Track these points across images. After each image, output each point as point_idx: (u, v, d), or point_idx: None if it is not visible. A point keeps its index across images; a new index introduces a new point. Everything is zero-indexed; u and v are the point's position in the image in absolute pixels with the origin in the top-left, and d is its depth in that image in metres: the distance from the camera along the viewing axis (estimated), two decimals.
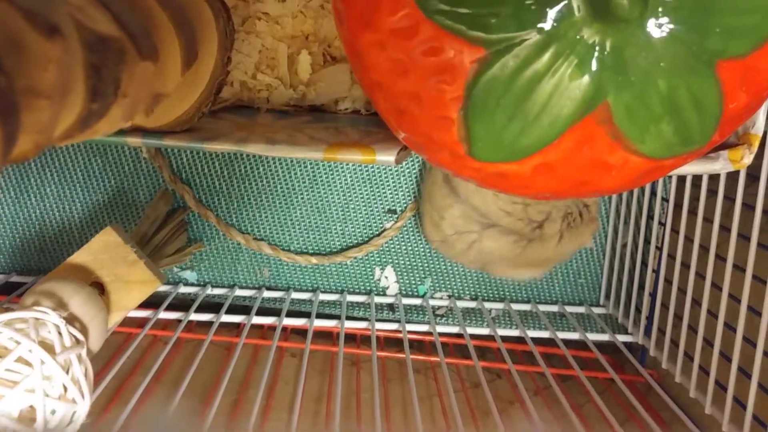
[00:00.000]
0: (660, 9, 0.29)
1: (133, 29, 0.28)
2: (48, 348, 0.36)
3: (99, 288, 0.47)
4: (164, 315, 0.58)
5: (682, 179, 0.54)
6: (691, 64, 0.30)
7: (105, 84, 0.25)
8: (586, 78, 0.30)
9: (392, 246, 0.63)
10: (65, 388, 0.35)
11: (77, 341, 0.38)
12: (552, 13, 0.29)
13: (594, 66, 0.30)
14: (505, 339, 0.59)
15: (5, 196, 0.63)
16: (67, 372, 0.35)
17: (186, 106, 0.38)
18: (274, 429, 0.49)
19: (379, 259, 0.64)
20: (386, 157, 0.39)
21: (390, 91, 0.34)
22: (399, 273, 0.64)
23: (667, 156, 0.33)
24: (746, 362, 0.44)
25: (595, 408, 0.49)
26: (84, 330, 0.41)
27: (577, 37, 0.29)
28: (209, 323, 0.58)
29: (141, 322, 0.57)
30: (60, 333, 0.37)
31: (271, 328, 0.62)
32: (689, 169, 0.40)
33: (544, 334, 0.59)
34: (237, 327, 0.62)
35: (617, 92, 0.30)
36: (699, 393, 0.48)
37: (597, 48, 0.29)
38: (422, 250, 0.63)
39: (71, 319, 0.40)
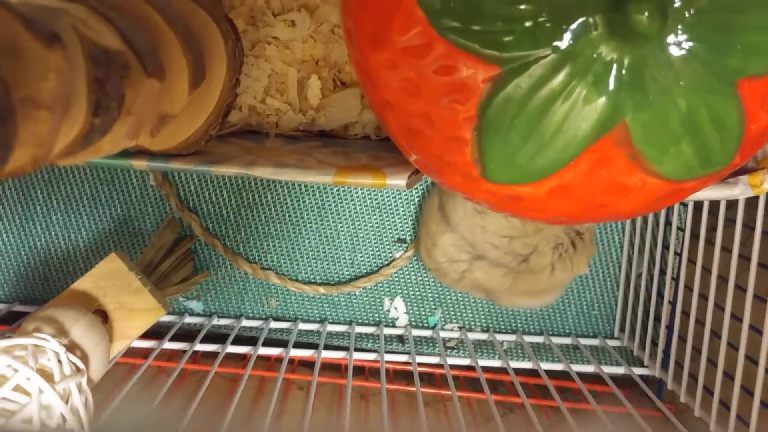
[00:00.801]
0: (679, 26, 0.28)
1: (139, 45, 0.27)
2: (47, 376, 0.34)
3: (102, 315, 0.46)
4: (169, 345, 0.57)
5: (698, 208, 0.53)
6: (711, 82, 0.29)
7: (108, 99, 0.24)
8: (603, 97, 0.29)
9: (402, 276, 0.62)
10: (64, 419, 0.34)
11: (77, 369, 0.37)
12: (568, 31, 0.28)
13: (611, 85, 0.29)
14: (517, 372, 0.58)
15: (10, 225, 0.62)
16: (67, 402, 0.34)
17: (193, 129, 0.37)
18: None
19: (388, 289, 0.62)
20: (397, 181, 0.38)
21: (401, 112, 0.33)
22: (409, 304, 0.63)
23: (687, 178, 0.32)
24: None
25: None
26: (85, 358, 0.40)
27: (594, 55, 0.28)
28: (214, 354, 0.57)
29: (145, 353, 0.56)
30: (60, 361, 0.36)
31: (278, 360, 0.61)
32: (707, 194, 0.39)
33: (558, 367, 0.57)
34: (243, 358, 0.61)
35: (635, 112, 0.29)
36: (719, 428, 0.47)
37: (614, 66, 0.28)
38: (432, 280, 0.62)
39: (72, 347, 0.39)
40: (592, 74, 0.29)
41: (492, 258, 0.53)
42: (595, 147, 0.30)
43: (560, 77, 0.29)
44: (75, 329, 0.39)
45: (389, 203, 0.60)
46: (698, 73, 0.29)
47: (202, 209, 0.61)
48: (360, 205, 0.60)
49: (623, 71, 0.29)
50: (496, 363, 0.58)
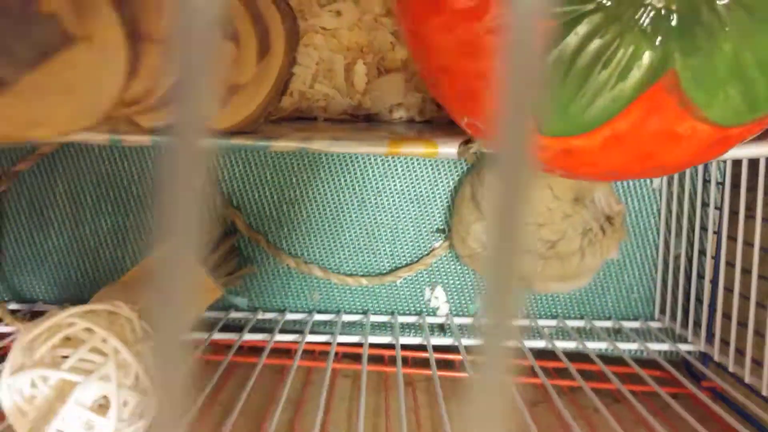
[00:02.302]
0: None
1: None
2: (122, 339, 0.36)
3: None
4: (217, 336, 0.58)
5: (735, 184, 0.54)
6: (754, 27, 0.30)
7: None
8: (652, 45, 0.30)
9: (442, 265, 0.63)
10: (138, 379, 0.35)
11: (149, 334, 0.38)
12: None
13: (660, 33, 0.30)
14: (557, 356, 0.58)
15: (61, 229, 0.64)
16: (140, 363, 0.36)
17: (255, 104, 0.39)
18: None
19: (428, 278, 0.63)
20: (448, 149, 0.40)
21: (458, 74, 0.34)
22: (449, 292, 0.64)
23: (735, 123, 0.33)
24: None
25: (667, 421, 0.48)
26: None
27: (642, 4, 0.30)
28: (260, 349, 0.58)
29: (194, 345, 0.58)
30: (132, 326, 0.37)
31: (323, 353, 0.62)
32: (747, 151, 0.40)
33: (602, 345, 0.58)
34: (287, 352, 0.62)
35: (684, 58, 0.31)
36: None
37: (663, 14, 0.30)
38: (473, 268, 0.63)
39: (143, 313, 0.40)
40: (641, 23, 0.30)
41: None
42: (647, 95, 0.32)
43: (611, 28, 0.31)
44: (145, 298, 0.41)
45: (427, 195, 0.62)
46: (742, 18, 0.30)
47: (246, 206, 0.63)
48: (399, 197, 0.62)
49: (671, 19, 0.30)
50: (540, 344, 0.59)
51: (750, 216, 0.52)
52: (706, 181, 0.59)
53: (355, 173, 0.62)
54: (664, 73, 0.31)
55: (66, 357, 0.34)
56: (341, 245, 0.63)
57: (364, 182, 0.62)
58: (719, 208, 0.57)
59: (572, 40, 0.31)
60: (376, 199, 0.62)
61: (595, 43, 0.31)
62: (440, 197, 0.62)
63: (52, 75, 0.18)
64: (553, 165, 0.36)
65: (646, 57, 0.31)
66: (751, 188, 0.52)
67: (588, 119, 0.32)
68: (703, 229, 0.59)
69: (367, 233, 0.63)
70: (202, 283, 0.48)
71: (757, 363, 0.49)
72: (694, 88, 0.31)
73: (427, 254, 0.63)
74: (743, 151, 0.40)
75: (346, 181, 0.62)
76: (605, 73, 0.31)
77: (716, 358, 0.54)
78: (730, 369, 0.51)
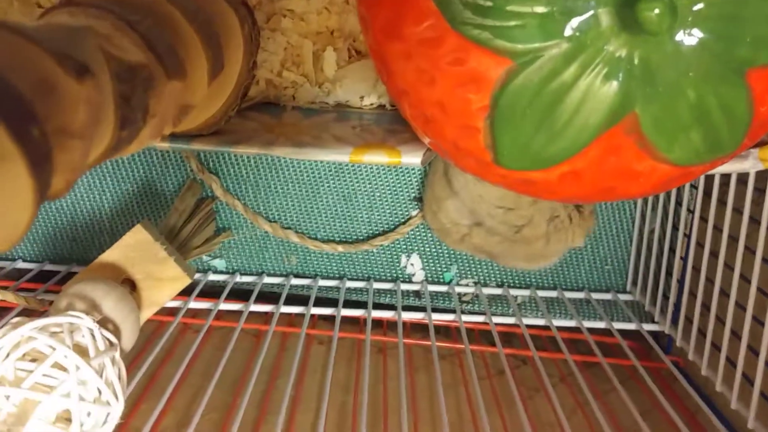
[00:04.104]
0: (689, 19, 0.28)
1: (161, 49, 0.28)
2: (82, 352, 0.37)
3: (130, 285, 0.48)
4: (194, 304, 0.60)
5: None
6: (720, 72, 0.29)
7: (134, 112, 0.25)
8: (613, 89, 0.29)
9: (418, 233, 0.64)
10: (99, 392, 0.36)
11: (110, 344, 0.39)
12: (579, 24, 0.29)
13: (621, 77, 0.29)
14: (532, 326, 0.60)
15: None
16: (101, 375, 0.37)
17: (212, 111, 0.38)
18: (304, 422, 0.50)
19: (405, 246, 0.64)
20: (412, 159, 0.39)
21: (416, 99, 0.34)
22: (425, 260, 0.64)
23: (696, 163, 0.32)
24: None
25: (619, 396, 0.49)
26: (117, 331, 0.42)
27: (605, 48, 0.29)
28: (238, 312, 0.59)
29: (172, 311, 0.59)
30: (93, 337, 0.38)
31: (300, 315, 0.63)
32: (718, 169, 0.40)
33: (571, 323, 0.59)
34: (265, 314, 0.63)
35: (645, 103, 0.30)
36: (725, 387, 0.48)
37: (624, 59, 0.29)
38: None
39: (104, 322, 0.41)
40: (603, 67, 0.29)
41: (489, 225, 0.54)
42: (606, 136, 0.31)
43: (571, 69, 0.30)
44: (106, 303, 0.42)
45: None
46: (707, 64, 0.29)
47: (222, 170, 0.62)
48: (376, 164, 0.61)
49: (633, 64, 0.29)
50: (510, 320, 0.60)
51: (721, 200, 0.52)
52: None
53: None
54: (625, 116, 0.30)
55: (29, 372, 0.35)
56: (318, 211, 0.63)
57: None
58: (695, 187, 0.57)
59: (532, 78, 0.30)
60: (354, 165, 0.62)
61: (556, 83, 0.30)
62: (418, 166, 0.61)
63: None
64: (514, 189, 0.36)
65: (607, 99, 0.30)
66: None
67: (546, 157, 0.32)
68: (679, 204, 0.59)
69: (344, 200, 0.63)
70: (171, 274, 0.48)
71: (716, 347, 0.50)
72: (654, 132, 0.30)
73: (404, 223, 0.63)
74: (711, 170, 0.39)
75: None
76: (565, 114, 0.30)
77: (678, 343, 0.55)
78: (690, 357, 0.53)
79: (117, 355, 0.39)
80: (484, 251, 0.57)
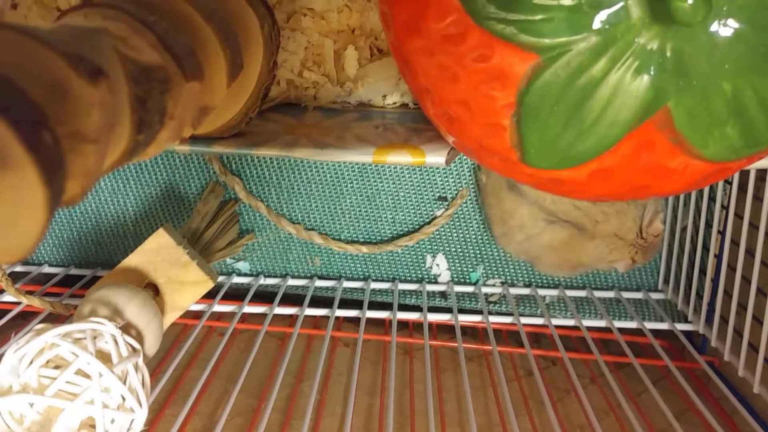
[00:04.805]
0: (725, 8, 0.27)
1: (178, 50, 0.27)
2: (105, 359, 0.36)
3: (153, 289, 0.48)
4: (218, 307, 0.59)
5: None
6: (757, 64, 0.28)
7: (150, 114, 0.25)
8: (644, 83, 0.28)
9: (443, 233, 0.63)
10: (123, 399, 0.36)
11: (134, 350, 0.38)
12: (608, 16, 0.28)
13: (653, 70, 0.28)
14: (562, 326, 0.58)
15: None
16: (125, 382, 0.36)
17: (233, 113, 0.38)
18: (329, 426, 0.49)
19: (430, 246, 0.63)
20: (436, 158, 0.38)
21: (439, 98, 0.33)
22: (450, 260, 0.63)
23: (732, 159, 0.31)
24: None
25: (652, 397, 0.48)
26: (140, 337, 0.42)
27: (635, 40, 0.28)
28: (262, 314, 0.59)
29: (196, 314, 0.58)
30: (116, 343, 0.37)
31: (324, 317, 0.63)
32: (754, 164, 0.38)
33: (601, 323, 0.58)
34: (290, 316, 0.63)
35: (678, 97, 0.29)
36: (763, 388, 0.47)
37: (656, 52, 0.28)
38: (474, 236, 0.62)
39: (127, 327, 0.41)
40: (634, 60, 0.28)
41: (571, 218, 0.54)
42: (637, 132, 0.30)
43: (600, 64, 0.28)
44: (129, 309, 0.41)
45: None
46: (744, 55, 0.28)
47: (245, 172, 0.62)
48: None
49: (666, 57, 0.28)
50: (538, 320, 0.59)
51: (757, 196, 0.50)
52: None
53: None
54: (657, 111, 0.29)
55: (53, 379, 0.35)
56: (342, 212, 0.63)
57: None
58: (729, 182, 0.55)
59: (559, 74, 0.29)
60: (377, 165, 0.61)
61: (584, 78, 0.29)
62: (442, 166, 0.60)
63: None
64: (542, 188, 0.35)
65: (638, 94, 0.29)
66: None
67: (575, 155, 0.31)
68: (712, 200, 0.58)
69: (368, 200, 0.62)
70: (194, 277, 0.48)
71: (753, 347, 0.49)
72: (688, 127, 0.29)
73: (428, 222, 0.62)
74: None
75: None
76: (594, 110, 0.29)
77: (713, 343, 0.53)
78: (726, 358, 0.51)
79: (140, 360, 0.38)
80: (537, 252, 0.56)
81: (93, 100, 0.21)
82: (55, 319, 0.51)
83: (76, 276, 0.64)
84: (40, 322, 0.53)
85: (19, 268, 0.65)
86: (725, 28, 0.27)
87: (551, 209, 0.54)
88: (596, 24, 0.28)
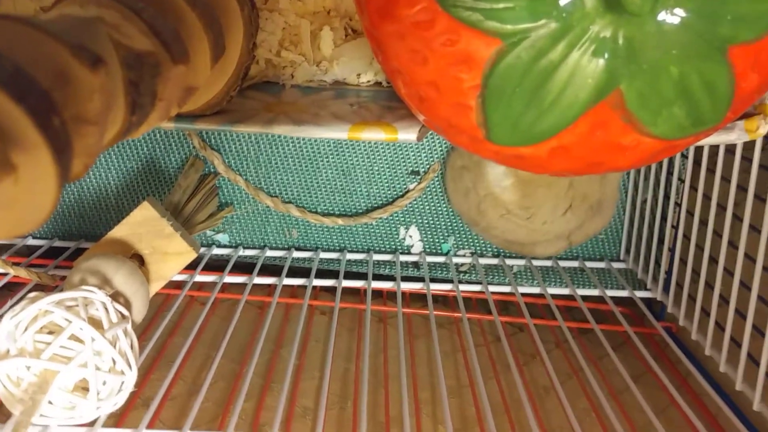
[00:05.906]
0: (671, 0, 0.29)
1: (166, 36, 0.29)
2: (96, 325, 0.38)
3: (139, 260, 0.50)
4: (200, 278, 0.61)
5: None
6: (702, 50, 0.31)
7: (143, 97, 0.27)
8: (599, 66, 0.31)
9: (416, 206, 0.65)
10: (114, 362, 0.38)
11: (123, 316, 0.41)
12: (565, 5, 0.30)
13: (607, 55, 0.31)
14: (528, 294, 0.62)
15: None
16: (115, 346, 0.38)
17: (215, 92, 0.39)
18: (308, 389, 0.52)
19: (403, 219, 0.66)
20: (408, 135, 0.41)
21: (410, 79, 0.35)
22: (423, 232, 0.66)
23: (680, 137, 0.34)
24: (761, 321, 0.45)
25: (612, 361, 0.51)
26: (128, 304, 0.44)
27: (590, 27, 0.30)
28: (242, 284, 0.61)
29: (179, 284, 0.60)
30: (107, 310, 0.39)
31: (302, 287, 0.65)
32: (705, 140, 0.41)
33: (565, 291, 0.61)
34: (269, 286, 0.65)
35: (630, 80, 0.31)
36: (714, 351, 0.50)
37: (609, 38, 0.30)
38: (445, 209, 0.65)
39: (116, 295, 0.43)
40: (589, 46, 0.31)
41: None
42: (593, 111, 0.32)
43: (559, 49, 0.31)
44: (117, 278, 0.43)
45: None
46: (690, 42, 0.30)
47: (224, 147, 0.64)
48: None
49: (618, 43, 0.30)
50: (506, 288, 0.62)
51: (711, 169, 0.53)
52: None
53: None
54: (610, 92, 0.32)
55: (47, 344, 0.37)
56: (318, 185, 0.65)
57: None
58: (686, 156, 0.58)
59: (521, 57, 0.31)
60: (352, 141, 0.63)
61: (544, 62, 0.31)
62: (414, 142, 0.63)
63: None
64: (505, 164, 0.38)
65: (593, 77, 0.31)
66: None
67: (536, 132, 0.33)
68: (670, 173, 0.61)
69: (343, 174, 0.64)
70: (177, 248, 0.50)
71: (705, 312, 0.52)
72: (639, 107, 0.32)
73: (402, 196, 0.65)
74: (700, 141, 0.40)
75: None
76: (553, 91, 0.32)
77: (669, 309, 0.57)
78: (681, 323, 0.55)
79: (129, 326, 0.40)
80: (516, 242, 0.60)
81: (94, 86, 0.22)
82: (41, 289, 0.53)
83: (60, 248, 0.65)
84: (29, 292, 0.55)
85: (2, 241, 0.67)
86: (672, 17, 0.30)
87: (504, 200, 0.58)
88: (555, 12, 0.30)
